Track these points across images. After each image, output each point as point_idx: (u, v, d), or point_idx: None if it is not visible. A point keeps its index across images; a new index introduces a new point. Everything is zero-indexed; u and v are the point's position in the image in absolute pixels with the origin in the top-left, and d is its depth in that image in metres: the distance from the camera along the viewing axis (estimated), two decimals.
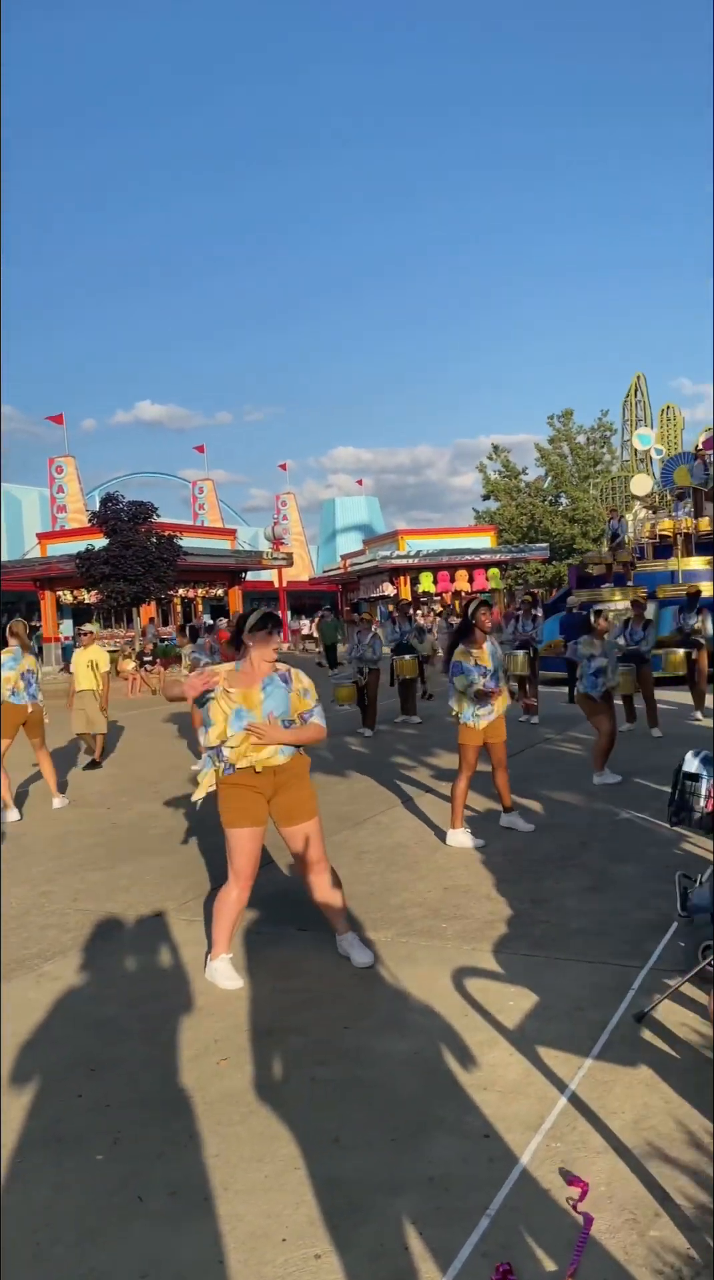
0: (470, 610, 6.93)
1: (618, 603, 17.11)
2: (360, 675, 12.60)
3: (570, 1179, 2.75)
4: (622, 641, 11.01)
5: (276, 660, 4.54)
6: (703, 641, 11.99)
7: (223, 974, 4.45)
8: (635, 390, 27.81)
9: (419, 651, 13.99)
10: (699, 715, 11.87)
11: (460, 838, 6.66)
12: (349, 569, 48.43)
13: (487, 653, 6.82)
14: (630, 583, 19.67)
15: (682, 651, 12.02)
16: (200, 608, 37.87)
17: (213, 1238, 2.64)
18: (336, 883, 4.69)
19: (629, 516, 24.23)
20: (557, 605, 20.22)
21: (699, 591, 13.03)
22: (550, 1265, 2.42)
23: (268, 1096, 3.40)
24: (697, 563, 19.66)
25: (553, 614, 18.63)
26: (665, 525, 21.34)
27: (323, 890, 4.64)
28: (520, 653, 12.78)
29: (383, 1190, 2.79)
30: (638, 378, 27.79)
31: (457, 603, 40.17)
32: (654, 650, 11.41)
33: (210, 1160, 3.02)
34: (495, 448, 54.85)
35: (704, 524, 21.40)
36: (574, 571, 22.81)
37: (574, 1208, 2.61)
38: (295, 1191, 2.82)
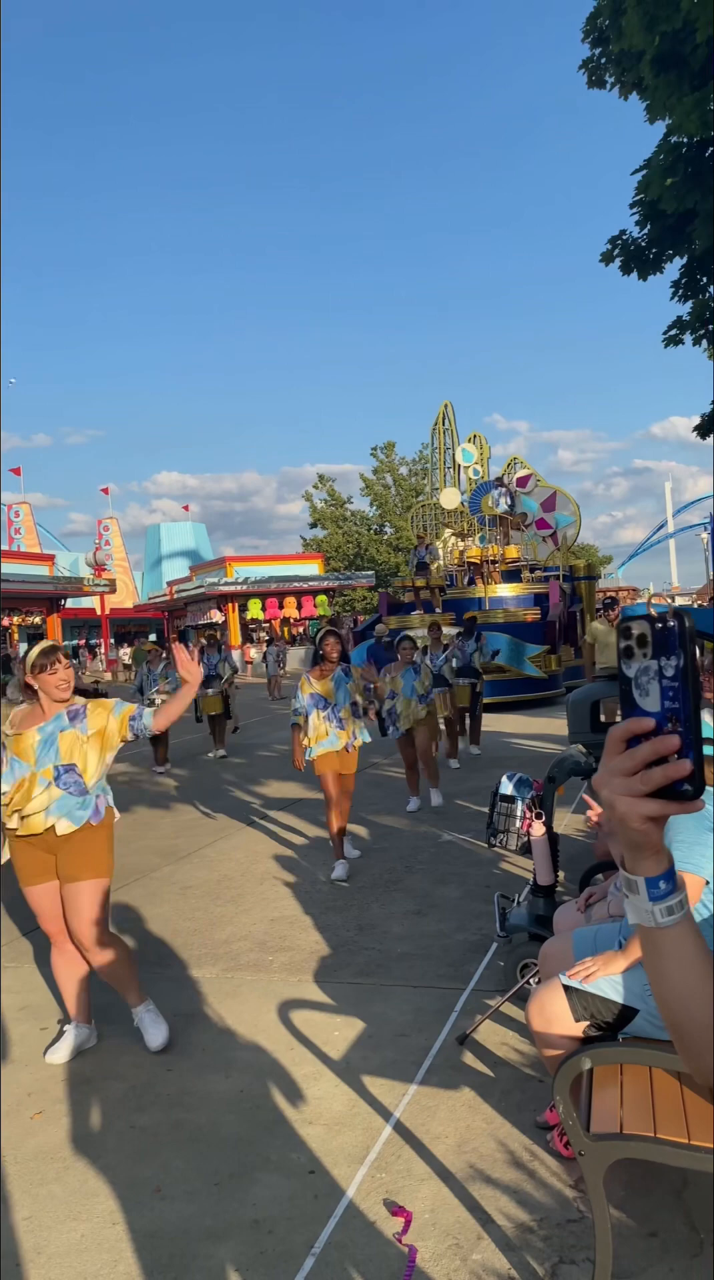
0: (317, 638, 6.78)
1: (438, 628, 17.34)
2: (150, 706, 11.85)
3: (394, 1209, 2.74)
4: (454, 663, 11.34)
5: (70, 696, 3.92)
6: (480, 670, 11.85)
7: (59, 1049, 3.96)
8: (443, 418, 28.74)
9: (222, 683, 13.11)
10: (474, 749, 11.80)
11: (338, 870, 6.46)
12: (175, 595, 47.64)
13: (330, 685, 6.61)
14: (438, 609, 19.95)
15: (465, 682, 11.56)
16: (16, 636, 36.36)
17: None
18: (124, 957, 3.98)
19: (440, 543, 24.77)
20: (365, 632, 20.36)
21: (475, 619, 12.86)
22: None
23: (85, 1149, 3.25)
24: (504, 589, 20.18)
25: (361, 641, 18.70)
26: (473, 553, 21.74)
27: (102, 963, 3.90)
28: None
29: (206, 1238, 2.71)
30: (445, 406, 28.75)
31: (286, 630, 40.26)
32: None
33: (22, 1224, 2.85)
34: (321, 477, 55.63)
35: (511, 551, 22.08)
36: (384, 598, 23.01)
37: (399, 1240, 2.61)
38: (113, 1249, 2.70)
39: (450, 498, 25.54)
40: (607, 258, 10.18)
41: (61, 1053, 3.93)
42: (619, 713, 0.87)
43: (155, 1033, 3.95)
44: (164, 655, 12.96)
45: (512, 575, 21.31)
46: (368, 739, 6.74)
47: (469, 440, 27.56)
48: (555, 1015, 2.80)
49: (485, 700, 12.58)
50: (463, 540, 23.25)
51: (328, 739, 6.54)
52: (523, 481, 24.94)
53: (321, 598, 44.40)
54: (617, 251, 10.11)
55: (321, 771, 6.59)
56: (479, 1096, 3.41)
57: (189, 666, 3.97)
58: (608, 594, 19.41)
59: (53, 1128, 3.40)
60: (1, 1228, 2.82)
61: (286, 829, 8.16)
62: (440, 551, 24.02)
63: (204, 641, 14.23)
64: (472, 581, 21.20)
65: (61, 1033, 4.03)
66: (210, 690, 12.94)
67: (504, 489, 22.85)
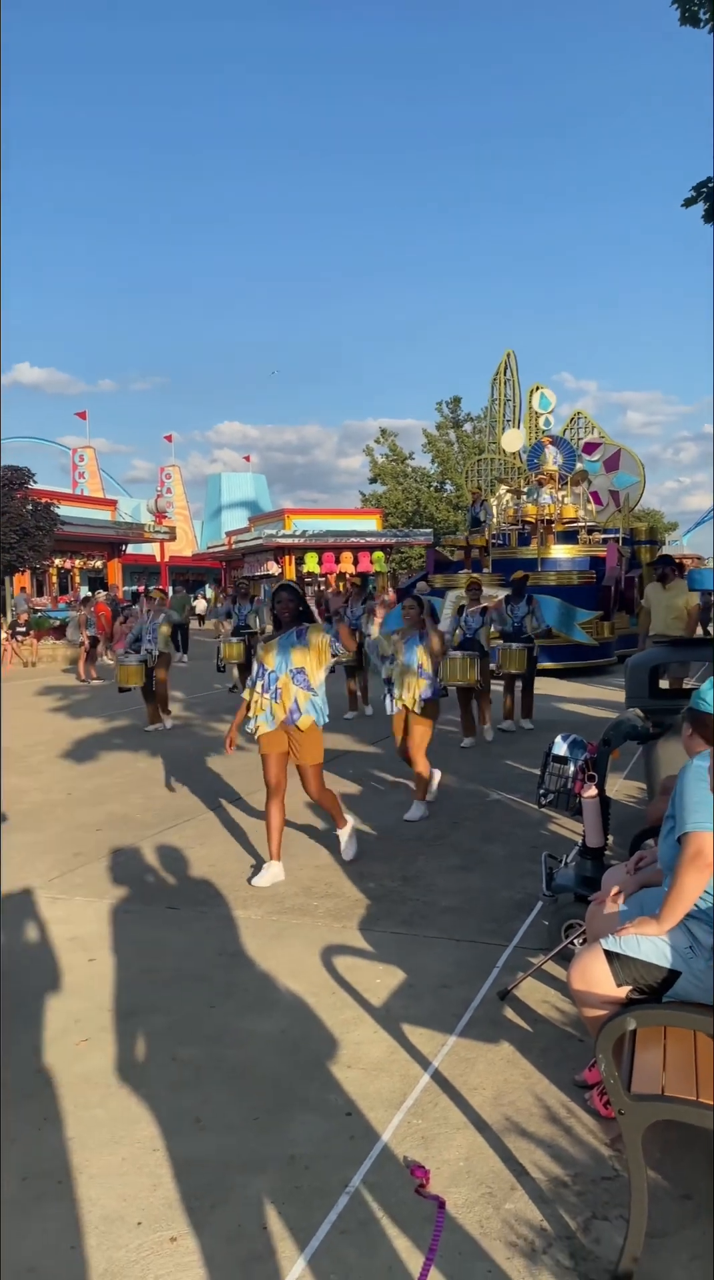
0: (271, 596, 5.72)
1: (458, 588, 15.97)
2: (150, 656, 11.34)
3: (412, 1168, 2.75)
4: (456, 630, 10.14)
5: None
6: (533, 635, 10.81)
7: None
8: (505, 368, 27.44)
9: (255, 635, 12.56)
10: (526, 722, 10.81)
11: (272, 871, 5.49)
12: (234, 546, 47.85)
13: (272, 649, 5.52)
14: (487, 568, 19.02)
15: (518, 647, 10.47)
16: (77, 579, 36.89)
17: (65, 1223, 2.56)
18: None
19: (493, 501, 23.73)
20: (407, 590, 19.81)
21: (525, 578, 11.63)
22: (406, 1241, 2.44)
23: (129, 1077, 3.32)
24: (559, 550, 19.18)
25: (403, 599, 17.95)
26: (529, 510, 20.31)
27: None
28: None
29: (243, 1170, 2.76)
30: (508, 355, 27.21)
31: (341, 584, 40.21)
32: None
33: (67, 1143, 2.94)
34: (383, 431, 55.19)
35: (569, 510, 21.02)
36: (431, 555, 22.20)
37: (419, 1192, 2.61)
38: (153, 1173, 2.76)
39: (513, 440, 24.43)
40: (690, 203, 9.80)
41: None
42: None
43: None
44: (161, 604, 12.41)
45: (568, 536, 20.29)
46: (323, 720, 5.56)
47: (530, 391, 26.34)
48: (597, 978, 2.79)
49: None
50: (518, 497, 22.21)
51: (264, 713, 5.49)
52: (590, 448, 24.13)
53: (378, 554, 44.30)
54: (702, 198, 9.73)
55: (263, 753, 5.53)
56: (518, 1051, 3.42)
57: None
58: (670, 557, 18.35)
59: (99, 1054, 3.49)
60: (6, 1156, 2.91)
61: (334, 778, 8.20)
62: (493, 509, 23.09)
63: (232, 589, 13.62)
64: (526, 541, 20.39)
65: None
66: (234, 638, 12.73)
67: (556, 449, 21.98)
